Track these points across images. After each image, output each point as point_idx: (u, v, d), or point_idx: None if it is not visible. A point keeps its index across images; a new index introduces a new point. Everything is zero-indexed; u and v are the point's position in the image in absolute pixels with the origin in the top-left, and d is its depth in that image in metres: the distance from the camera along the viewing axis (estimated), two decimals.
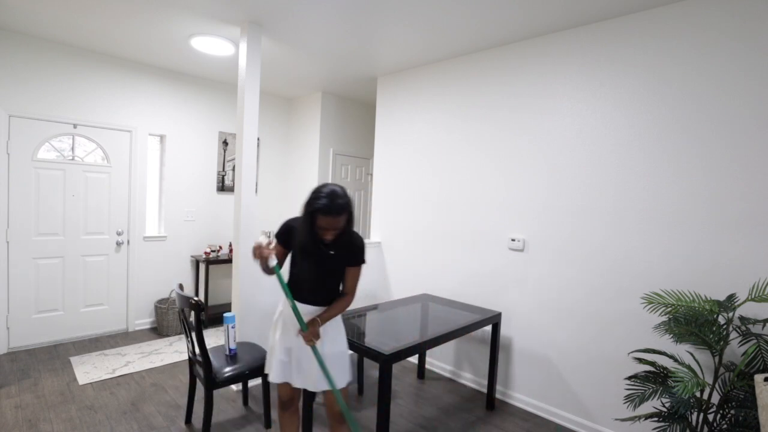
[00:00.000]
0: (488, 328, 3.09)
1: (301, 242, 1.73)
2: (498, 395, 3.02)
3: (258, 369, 2.36)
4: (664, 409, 1.98)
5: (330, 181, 4.73)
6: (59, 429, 2.37)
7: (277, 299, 3.12)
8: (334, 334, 1.83)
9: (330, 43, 3.14)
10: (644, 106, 2.37)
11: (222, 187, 4.56)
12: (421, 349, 2.13)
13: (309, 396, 2.34)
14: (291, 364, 1.80)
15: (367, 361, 3.60)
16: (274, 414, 2.63)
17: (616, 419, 2.47)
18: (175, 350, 3.57)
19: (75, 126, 3.59)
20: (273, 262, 1.63)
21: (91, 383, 2.92)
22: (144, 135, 3.97)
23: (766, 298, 1.72)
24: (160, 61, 3.83)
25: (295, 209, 5.02)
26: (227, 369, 2.27)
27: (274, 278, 3.08)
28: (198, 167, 4.37)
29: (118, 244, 3.88)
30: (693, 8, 2.20)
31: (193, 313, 2.15)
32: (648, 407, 2.36)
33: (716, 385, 1.96)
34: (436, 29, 2.80)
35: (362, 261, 1.82)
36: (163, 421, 2.49)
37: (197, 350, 2.32)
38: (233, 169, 4.63)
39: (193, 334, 2.28)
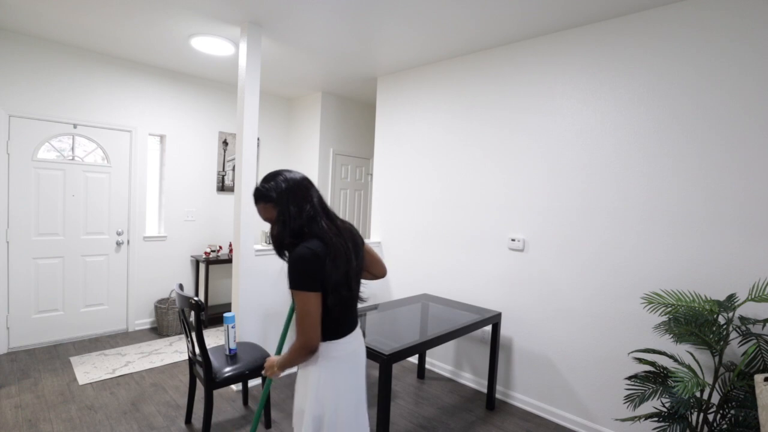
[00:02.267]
0: (488, 328, 3.09)
1: None
2: (498, 395, 3.02)
3: (258, 369, 2.36)
4: (664, 409, 1.98)
5: (330, 181, 4.73)
6: (59, 429, 2.37)
7: (275, 299, 3.13)
8: (302, 390, 1.44)
9: (330, 43, 3.14)
10: (644, 106, 2.37)
11: (222, 187, 4.56)
12: (421, 349, 2.13)
13: None
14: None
15: (367, 361, 3.60)
16: (275, 414, 2.63)
17: (616, 419, 2.47)
18: (175, 350, 3.57)
19: (75, 126, 3.59)
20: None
21: (91, 383, 2.92)
22: (144, 135, 3.97)
23: (766, 298, 1.72)
24: (160, 61, 3.83)
25: None
26: (227, 369, 2.27)
27: (272, 279, 3.09)
28: (198, 167, 4.37)
29: (118, 244, 3.88)
30: (693, 8, 2.20)
31: (193, 313, 2.15)
32: (648, 407, 2.36)
33: (716, 385, 1.96)
34: (436, 29, 2.80)
35: (290, 283, 1.28)
36: (163, 421, 2.49)
37: (197, 350, 2.32)
38: (233, 169, 4.63)
39: (193, 334, 2.28)
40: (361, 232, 5.13)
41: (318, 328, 1.29)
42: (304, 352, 1.29)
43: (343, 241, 1.35)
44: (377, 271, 1.63)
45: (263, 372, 1.49)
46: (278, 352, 1.73)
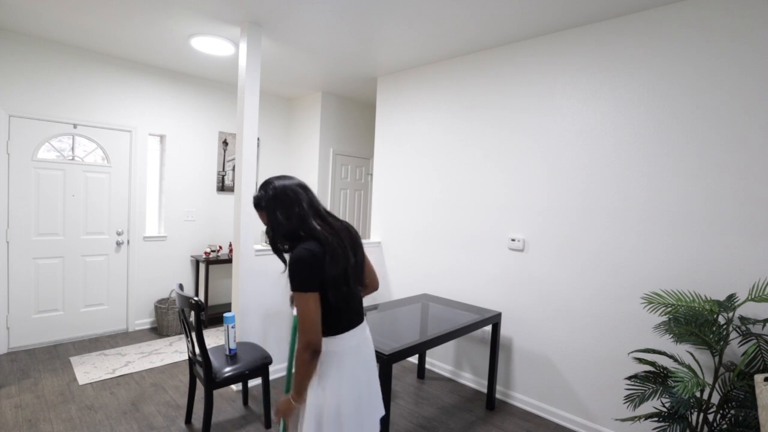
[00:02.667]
0: (488, 328, 3.09)
1: None
2: (498, 395, 3.02)
3: (258, 369, 2.36)
4: (664, 409, 1.98)
5: (330, 181, 4.74)
6: (59, 429, 2.37)
7: (275, 299, 3.13)
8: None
9: (330, 43, 3.14)
10: (644, 106, 2.37)
11: (222, 187, 4.56)
12: (421, 349, 2.13)
13: None
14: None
15: None
16: (274, 414, 2.63)
17: (616, 419, 2.47)
18: (175, 350, 3.57)
19: (75, 126, 3.59)
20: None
21: (91, 383, 2.92)
22: (144, 135, 3.97)
23: (766, 298, 1.72)
24: (160, 61, 3.83)
25: None
26: (227, 369, 2.27)
27: (272, 279, 3.09)
28: (198, 167, 4.37)
29: (118, 244, 3.88)
30: (693, 8, 2.20)
31: (193, 313, 2.15)
32: (648, 407, 2.36)
33: (716, 385, 1.96)
34: (436, 29, 2.80)
35: (292, 285, 1.31)
36: (163, 421, 2.49)
37: (197, 350, 2.32)
38: (233, 169, 4.63)
39: (193, 334, 2.28)
40: (361, 232, 5.13)
41: (318, 327, 1.32)
42: (308, 353, 1.31)
43: (339, 239, 1.39)
44: (371, 281, 1.64)
45: (274, 416, 1.45)
46: (287, 390, 1.63)
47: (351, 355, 1.43)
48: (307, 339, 1.30)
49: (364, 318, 1.54)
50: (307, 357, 1.31)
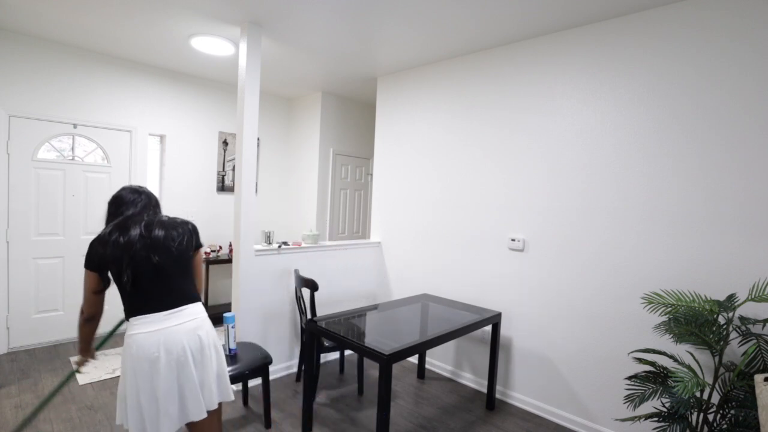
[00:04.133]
0: (488, 328, 3.09)
1: None
2: (498, 395, 3.02)
3: (258, 369, 2.36)
4: (664, 409, 1.98)
5: (330, 181, 4.74)
6: (59, 429, 2.37)
7: (275, 299, 3.13)
8: None
9: (330, 43, 3.14)
10: (644, 106, 2.37)
11: (222, 187, 4.56)
12: (421, 349, 2.13)
13: (309, 396, 2.35)
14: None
15: (367, 361, 3.60)
16: (275, 414, 2.63)
17: (616, 419, 2.47)
18: None
19: (75, 126, 3.59)
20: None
21: (91, 383, 2.92)
22: (144, 135, 3.97)
23: (766, 298, 1.72)
24: (160, 61, 3.83)
25: (295, 209, 5.02)
26: (227, 369, 2.26)
27: (272, 279, 3.09)
28: (198, 167, 4.37)
29: None
30: (693, 8, 2.20)
31: None
32: (648, 407, 2.36)
33: (716, 385, 1.96)
34: (436, 29, 2.80)
35: None
36: None
37: None
38: (233, 169, 4.64)
39: None
40: (361, 232, 5.13)
41: (89, 299, 1.60)
42: (81, 317, 1.64)
43: (118, 234, 1.57)
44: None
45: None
46: (97, 347, 1.89)
47: (135, 343, 1.53)
48: (82, 306, 1.63)
49: (167, 311, 1.59)
50: (81, 320, 1.64)
